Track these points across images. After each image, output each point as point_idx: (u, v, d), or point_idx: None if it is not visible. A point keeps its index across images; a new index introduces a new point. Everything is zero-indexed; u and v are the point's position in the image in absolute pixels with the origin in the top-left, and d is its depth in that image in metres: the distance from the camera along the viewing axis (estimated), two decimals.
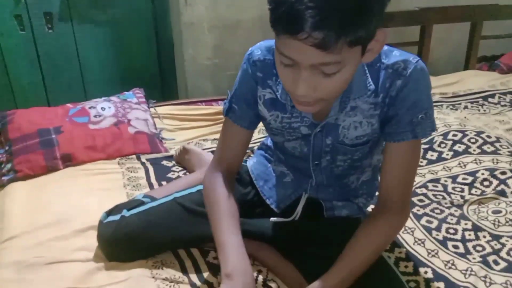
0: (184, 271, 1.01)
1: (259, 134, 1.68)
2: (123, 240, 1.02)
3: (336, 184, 1.01)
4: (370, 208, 1.12)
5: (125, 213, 1.04)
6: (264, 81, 0.92)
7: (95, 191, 1.33)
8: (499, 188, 1.31)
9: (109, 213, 1.07)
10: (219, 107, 1.89)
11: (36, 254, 1.07)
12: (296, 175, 1.05)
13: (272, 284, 0.98)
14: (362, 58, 0.74)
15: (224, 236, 0.87)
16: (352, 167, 0.99)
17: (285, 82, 0.77)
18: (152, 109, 1.81)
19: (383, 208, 0.90)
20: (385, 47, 0.85)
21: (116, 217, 1.04)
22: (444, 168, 1.44)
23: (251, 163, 1.16)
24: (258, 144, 1.27)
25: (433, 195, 1.31)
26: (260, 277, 0.99)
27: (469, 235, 1.14)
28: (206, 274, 1.00)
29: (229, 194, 0.94)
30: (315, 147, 0.95)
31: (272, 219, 1.05)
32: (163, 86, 2.41)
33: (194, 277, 0.99)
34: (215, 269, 1.00)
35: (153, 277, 0.98)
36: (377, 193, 1.07)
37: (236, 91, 0.97)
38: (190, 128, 1.78)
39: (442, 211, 1.23)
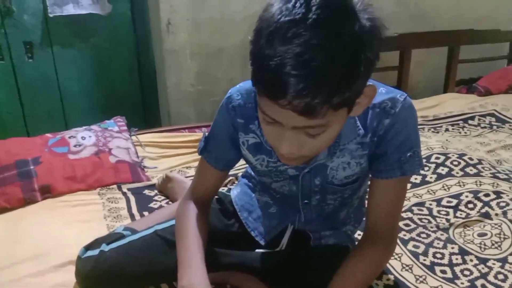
0: None
1: (243, 161, 1.67)
2: (102, 276, 0.97)
3: (325, 218, 1.00)
4: (357, 234, 1.11)
5: (104, 247, 1.00)
6: (246, 127, 0.90)
7: (75, 223, 1.29)
8: (483, 211, 1.31)
9: (88, 247, 1.03)
10: (202, 134, 1.88)
11: None
12: (282, 207, 1.03)
13: None
14: (350, 113, 0.72)
15: (186, 254, 0.88)
16: (342, 204, 0.98)
17: (269, 138, 0.75)
18: (134, 137, 1.79)
19: (371, 239, 0.89)
20: (370, 81, 0.84)
21: (95, 252, 1.00)
22: (428, 191, 1.44)
23: (235, 193, 1.14)
24: (243, 170, 1.25)
25: (419, 219, 1.30)
26: None
27: (456, 259, 1.13)
28: None
29: (197, 225, 0.94)
30: (304, 187, 0.94)
31: (258, 250, 1.03)
32: (145, 114, 2.39)
33: None
34: None
35: None
36: (364, 219, 1.07)
37: (212, 133, 0.95)
38: (173, 156, 1.76)
39: (428, 235, 1.22)
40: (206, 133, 0.97)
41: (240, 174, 1.25)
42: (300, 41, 0.60)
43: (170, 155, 1.76)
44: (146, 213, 1.35)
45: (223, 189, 1.38)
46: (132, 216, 1.34)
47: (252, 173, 1.12)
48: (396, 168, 0.84)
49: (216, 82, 2.15)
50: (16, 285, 1.05)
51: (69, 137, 1.61)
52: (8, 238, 1.23)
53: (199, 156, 0.99)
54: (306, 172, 0.91)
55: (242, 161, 1.64)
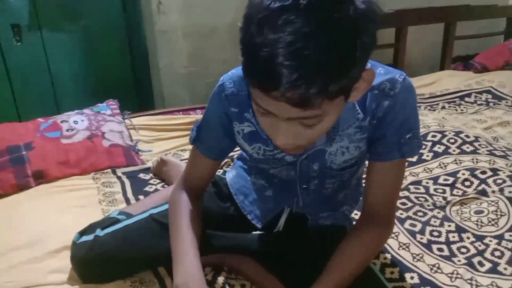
0: None
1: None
2: (97, 261, 0.97)
3: (323, 201, 0.99)
4: (354, 213, 1.10)
5: (99, 232, 0.99)
6: (240, 116, 0.87)
7: (69, 208, 1.28)
8: (480, 188, 1.31)
9: (83, 233, 1.02)
10: (196, 116, 1.86)
11: (8, 278, 1.01)
12: (279, 190, 1.01)
13: None
14: (348, 100, 0.69)
15: (179, 251, 0.86)
16: (341, 187, 0.97)
17: (265, 128, 0.72)
18: (127, 121, 1.76)
19: (368, 220, 0.88)
20: (369, 64, 0.80)
21: (90, 237, 0.99)
22: (425, 169, 1.44)
23: (230, 176, 1.13)
24: (238, 152, 1.24)
25: (416, 197, 1.30)
26: None
27: (453, 237, 1.13)
28: None
29: (190, 218, 0.91)
30: (302, 173, 0.92)
31: (254, 232, 1.02)
32: (138, 96, 2.36)
33: None
34: None
35: None
36: (361, 198, 1.06)
37: (205, 122, 0.92)
38: (168, 139, 1.74)
39: (425, 214, 1.22)
40: (198, 122, 0.94)
41: (235, 156, 1.23)
42: (291, 29, 0.56)
43: (164, 138, 1.75)
44: (141, 197, 1.34)
45: (218, 172, 1.37)
46: (127, 200, 1.33)
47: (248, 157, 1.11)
48: (395, 150, 0.83)
49: (209, 63, 2.12)
50: (12, 272, 1.04)
51: (61, 122, 1.58)
52: (3, 225, 1.22)
53: None
54: (303, 158, 0.89)
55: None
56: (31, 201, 1.32)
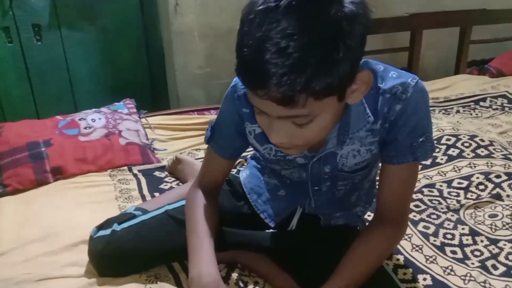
0: (179, 284, 0.98)
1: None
2: (114, 255, 0.99)
3: (336, 202, 1.00)
4: (367, 215, 1.11)
5: (116, 227, 1.01)
6: (252, 116, 0.87)
7: (86, 204, 1.31)
8: (494, 192, 1.30)
9: (100, 227, 1.04)
10: (211, 116, 1.88)
11: (25, 270, 1.04)
12: (291, 191, 1.02)
13: None
14: (347, 100, 0.71)
15: (195, 245, 0.88)
16: (353, 189, 0.98)
17: (261, 127, 0.75)
18: (143, 120, 1.79)
19: (381, 222, 0.89)
20: (381, 68, 0.81)
21: (107, 232, 1.01)
22: (438, 172, 1.43)
23: (244, 175, 1.14)
24: (252, 152, 1.25)
25: (429, 200, 1.30)
26: None
27: (467, 240, 1.13)
28: None
29: (206, 215, 0.93)
30: (314, 175, 0.93)
31: (268, 231, 1.03)
32: (154, 96, 2.39)
33: None
34: None
35: None
36: (374, 200, 1.06)
37: (218, 121, 0.95)
38: (183, 138, 1.76)
39: (438, 216, 1.22)
40: (213, 122, 0.96)
41: (249, 156, 1.25)
42: (276, 29, 0.60)
43: (179, 138, 1.77)
44: (156, 194, 1.36)
45: (232, 171, 1.39)
46: (143, 197, 1.35)
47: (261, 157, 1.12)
48: (408, 153, 0.83)
49: (225, 64, 2.13)
50: (29, 265, 1.06)
51: (79, 119, 1.61)
52: (21, 219, 1.25)
53: None
54: (315, 161, 0.90)
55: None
56: (49, 196, 1.35)
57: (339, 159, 0.88)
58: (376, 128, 0.83)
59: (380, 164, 0.91)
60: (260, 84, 0.62)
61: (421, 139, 0.82)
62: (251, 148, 1.65)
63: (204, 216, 0.93)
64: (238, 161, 1.54)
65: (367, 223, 1.06)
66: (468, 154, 1.49)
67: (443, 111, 1.95)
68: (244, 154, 1.57)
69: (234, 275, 0.99)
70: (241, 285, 0.97)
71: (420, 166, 1.45)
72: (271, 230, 1.05)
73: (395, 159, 0.84)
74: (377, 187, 1.08)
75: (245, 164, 1.44)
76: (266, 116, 0.70)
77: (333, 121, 0.73)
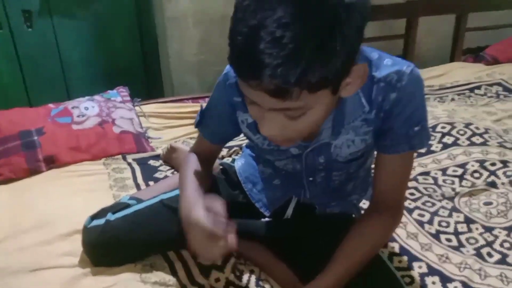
0: (174, 273, 0.98)
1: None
2: (108, 245, 0.98)
3: (331, 192, 0.99)
4: (362, 203, 1.11)
5: (110, 216, 1.01)
6: (243, 105, 0.86)
7: (80, 193, 1.29)
8: (489, 180, 1.31)
9: (94, 217, 1.03)
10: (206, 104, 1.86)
11: (19, 260, 1.03)
12: (287, 180, 1.02)
13: (266, 285, 0.96)
14: (340, 93, 0.69)
15: (182, 187, 0.89)
16: (348, 178, 0.97)
17: (253, 118, 0.73)
18: (137, 108, 1.77)
19: (376, 210, 0.88)
20: (376, 55, 0.79)
21: (101, 221, 1.00)
22: (433, 160, 1.43)
23: (239, 164, 1.13)
24: (247, 140, 1.24)
25: (424, 188, 1.30)
26: (253, 277, 0.96)
27: (462, 227, 1.14)
28: (197, 276, 0.97)
29: (197, 166, 0.95)
30: (308, 166, 0.92)
31: (263, 219, 1.03)
32: (148, 84, 2.36)
33: (185, 279, 0.96)
34: (207, 271, 0.97)
35: (142, 281, 0.95)
36: (370, 188, 1.06)
37: (209, 108, 0.94)
38: (177, 126, 1.75)
39: (433, 204, 1.22)
40: (203, 107, 0.95)
41: (244, 145, 1.24)
42: (272, 18, 0.57)
43: (174, 126, 1.75)
44: (151, 183, 1.35)
45: (227, 160, 1.38)
46: (137, 186, 1.34)
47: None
48: (404, 142, 0.82)
49: (219, 51, 2.10)
50: (23, 254, 1.05)
51: (72, 108, 1.59)
52: (14, 208, 1.23)
53: None
54: (309, 151, 0.89)
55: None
56: (42, 185, 1.34)
57: (333, 150, 0.88)
58: (371, 117, 0.82)
59: (375, 153, 0.90)
60: (252, 75, 0.60)
61: (416, 128, 0.81)
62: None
63: (194, 169, 0.93)
64: (233, 150, 1.53)
65: (362, 211, 1.06)
66: (463, 142, 1.49)
67: (438, 99, 1.95)
68: (239, 143, 1.58)
69: (230, 264, 0.98)
70: (237, 273, 0.97)
71: (415, 154, 1.46)
72: (266, 219, 1.05)
73: (390, 148, 0.83)
74: (372, 175, 1.09)
75: (240, 152, 1.43)
76: (257, 107, 0.68)
77: (326, 114, 0.71)
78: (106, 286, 0.95)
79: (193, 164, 0.96)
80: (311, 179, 0.95)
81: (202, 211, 0.79)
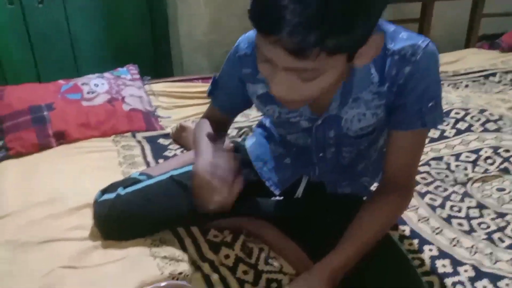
0: (183, 248, 0.98)
1: (257, 112, 1.65)
2: (119, 219, 0.98)
3: (341, 171, 0.98)
4: (373, 186, 1.09)
5: (121, 191, 1.01)
6: (254, 77, 0.87)
7: (90, 169, 1.29)
8: (502, 166, 1.29)
9: (104, 191, 1.04)
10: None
11: (29, 233, 1.04)
12: (296, 158, 1.01)
13: (275, 263, 0.95)
14: (353, 63, 0.68)
15: (199, 137, 0.89)
16: (360, 156, 0.96)
17: (264, 76, 0.73)
18: (146, 86, 1.76)
19: (387, 189, 0.87)
20: (391, 28, 0.78)
21: (112, 196, 1.00)
22: (446, 146, 1.42)
23: (249, 143, 1.12)
24: (256, 122, 1.23)
25: (436, 173, 1.28)
26: (262, 255, 0.96)
27: (474, 212, 1.12)
28: (206, 252, 0.97)
29: (212, 126, 0.95)
30: (318, 140, 0.91)
31: (274, 198, 1.02)
32: (157, 63, 2.35)
33: (194, 255, 0.96)
34: (216, 247, 0.97)
35: (152, 256, 0.95)
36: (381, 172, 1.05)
37: (220, 79, 0.95)
38: (187, 106, 1.74)
39: (445, 189, 1.21)
40: (217, 75, 0.96)
41: (253, 126, 1.23)
42: None
43: (183, 105, 1.74)
44: (161, 161, 1.35)
45: (238, 139, 1.37)
46: (147, 164, 1.34)
47: (267, 123, 1.10)
48: (417, 119, 0.81)
49: (230, 31, 2.08)
50: (33, 227, 1.06)
51: (82, 84, 1.58)
52: (24, 182, 1.24)
53: None
54: (319, 125, 0.88)
55: (255, 113, 1.64)
56: (52, 161, 1.34)
57: (344, 123, 0.86)
58: (383, 90, 0.80)
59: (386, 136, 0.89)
60: (273, 30, 0.60)
61: (430, 104, 0.79)
62: (256, 116, 1.63)
63: (210, 127, 0.94)
64: (242, 131, 1.52)
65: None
66: (477, 128, 1.47)
67: (452, 85, 1.92)
68: (249, 124, 1.57)
69: (239, 241, 0.98)
70: (246, 250, 0.97)
71: (427, 139, 1.44)
72: (277, 198, 1.04)
73: (403, 125, 0.82)
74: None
75: (250, 133, 1.43)
76: (270, 66, 0.67)
77: (337, 81, 0.70)
78: (116, 259, 0.95)
79: (206, 125, 0.96)
80: (321, 154, 0.94)
81: (208, 160, 0.80)
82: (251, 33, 0.86)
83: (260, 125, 1.14)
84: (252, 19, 0.63)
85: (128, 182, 1.05)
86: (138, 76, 1.74)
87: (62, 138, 1.42)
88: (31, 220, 1.08)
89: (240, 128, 1.54)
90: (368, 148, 0.95)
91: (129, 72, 1.73)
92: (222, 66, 0.94)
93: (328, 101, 0.82)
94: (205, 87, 1.82)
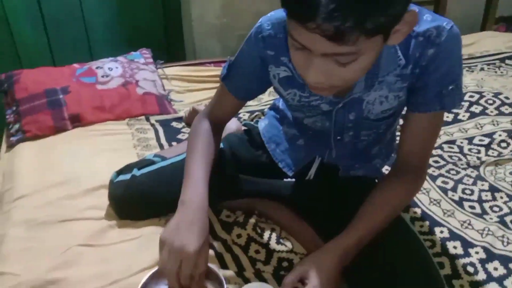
0: None
1: (269, 96, 1.65)
2: (134, 199, 1.00)
3: (356, 154, 0.98)
4: (385, 169, 1.10)
5: (136, 172, 1.02)
6: (276, 59, 0.85)
7: (105, 151, 1.32)
8: None
9: (120, 172, 1.06)
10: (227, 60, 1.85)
11: (47, 212, 1.07)
12: (311, 140, 1.01)
13: (286, 243, 0.97)
14: (387, 42, 0.67)
15: (190, 170, 0.87)
16: (376, 140, 0.96)
17: (297, 65, 0.71)
18: (159, 70, 1.77)
19: (400, 171, 0.87)
20: (416, 9, 0.76)
21: (127, 176, 1.02)
22: (460, 129, 1.41)
23: (262, 125, 1.12)
24: (268, 106, 1.23)
25: (449, 156, 1.28)
26: (274, 235, 0.98)
27: (486, 195, 1.12)
28: (219, 231, 0.99)
29: (209, 137, 0.93)
30: (337, 123, 0.91)
31: (286, 180, 1.03)
32: (169, 47, 2.34)
33: None
34: (229, 227, 0.99)
35: None
36: (393, 154, 1.05)
37: (237, 61, 0.91)
38: (199, 90, 1.75)
39: (458, 172, 1.21)
40: (231, 60, 0.93)
41: (266, 110, 1.23)
42: None
43: (196, 89, 1.75)
44: (174, 144, 1.36)
45: (251, 121, 1.38)
46: (161, 146, 1.35)
47: (280, 105, 1.10)
48: (436, 101, 0.80)
49: (242, 14, 2.07)
50: (51, 207, 1.09)
51: (96, 68, 1.60)
52: (41, 164, 1.26)
53: None
54: (340, 107, 0.87)
55: (267, 97, 1.65)
56: (68, 143, 1.37)
57: (365, 106, 0.86)
58: (407, 73, 0.80)
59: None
60: (309, 17, 0.58)
61: (451, 87, 0.79)
62: (268, 100, 1.63)
63: (206, 143, 0.92)
64: (255, 114, 1.53)
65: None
66: (492, 112, 1.45)
67: (466, 68, 1.89)
68: (261, 108, 1.57)
69: (251, 222, 1.00)
70: (258, 230, 0.98)
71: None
72: (289, 179, 1.05)
73: (422, 106, 0.82)
74: (397, 140, 1.07)
75: (262, 116, 1.43)
76: (306, 53, 0.66)
77: (372, 62, 0.69)
78: (131, 238, 0.98)
79: (203, 137, 0.93)
80: (339, 138, 0.94)
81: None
82: (274, 15, 0.84)
83: (273, 107, 1.15)
84: (286, 6, 0.62)
85: (143, 163, 1.07)
86: (151, 60, 1.75)
87: (77, 121, 1.45)
88: (48, 200, 1.11)
89: (252, 112, 1.55)
90: (385, 132, 0.95)
91: (142, 56, 1.74)
92: (241, 47, 0.90)
93: (352, 84, 0.82)
94: (217, 71, 1.83)
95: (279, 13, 0.83)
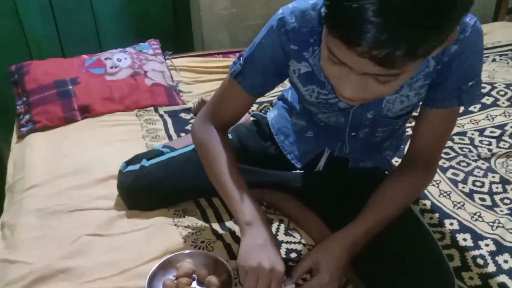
0: (205, 219, 1.01)
1: (278, 87, 1.63)
2: (143, 189, 1.01)
3: (369, 148, 0.97)
4: (394, 160, 1.09)
5: (145, 162, 1.03)
6: (299, 54, 0.81)
7: (114, 142, 1.33)
8: None
9: (129, 162, 1.06)
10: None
11: (57, 202, 1.08)
12: (322, 133, 0.99)
13: (295, 234, 0.97)
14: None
15: (231, 186, 0.84)
16: (390, 136, 0.95)
17: (331, 78, 0.68)
18: (168, 61, 1.77)
19: (412, 164, 0.87)
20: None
21: (136, 167, 1.03)
22: (471, 121, 1.39)
23: (271, 115, 1.12)
24: (276, 97, 1.22)
25: (460, 148, 1.27)
26: (282, 226, 0.98)
27: (497, 188, 1.11)
28: (228, 222, 0.99)
29: (226, 147, 0.89)
30: (354, 120, 0.90)
31: (295, 171, 1.03)
32: (178, 37, 2.34)
33: (216, 225, 0.99)
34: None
35: (175, 225, 0.98)
36: (402, 146, 1.04)
37: (253, 55, 0.84)
38: (208, 81, 1.74)
39: (468, 164, 1.19)
40: (244, 55, 0.87)
41: (274, 100, 1.22)
42: None
43: (204, 80, 1.75)
44: (182, 135, 1.37)
45: (260, 112, 1.37)
46: (169, 137, 1.36)
47: (289, 97, 1.09)
48: (454, 97, 0.79)
49: (251, 5, 2.06)
50: (61, 197, 1.10)
51: (105, 59, 1.60)
52: (52, 154, 1.28)
53: None
54: (358, 106, 0.86)
55: (277, 87, 1.63)
56: (77, 134, 1.38)
57: (385, 105, 0.84)
58: (429, 70, 0.78)
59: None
60: (359, 43, 0.55)
61: (471, 83, 0.78)
62: (276, 92, 1.62)
63: (231, 159, 0.88)
64: (263, 106, 1.52)
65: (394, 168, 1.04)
66: (503, 103, 1.44)
67: None
68: (270, 99, 1.56)
69: None
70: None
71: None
72: (297, 171, 1.05)
73: (439, 102, 0.80)
74: (406, 132, 1.06)
75: (270, 108, 1.42)
76: (344, 69, 0.63)
77: (408, 78, 0.67)
78: (141, 227, 0.98)
79: (223, 150, 0.88)
80: (353, 134, 0.93)
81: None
82: (296, 6, 0.79)
83: (282, 98, 1.14)
84: (331, 28, 0.59)
85: (152, 154, 1.07)
86: (159, 51, 1.75)
87: (86, 111, 1.45)
88: (59, 190, 1.12)
89: (260, 103, 1.54)
90: (401, 127, 0.94)
91: (151, 47, 1.74)
92: (259, 40, 0.83)
93: None
94: (225, 61, 1.82)
95: (302, 4, 0.79)
